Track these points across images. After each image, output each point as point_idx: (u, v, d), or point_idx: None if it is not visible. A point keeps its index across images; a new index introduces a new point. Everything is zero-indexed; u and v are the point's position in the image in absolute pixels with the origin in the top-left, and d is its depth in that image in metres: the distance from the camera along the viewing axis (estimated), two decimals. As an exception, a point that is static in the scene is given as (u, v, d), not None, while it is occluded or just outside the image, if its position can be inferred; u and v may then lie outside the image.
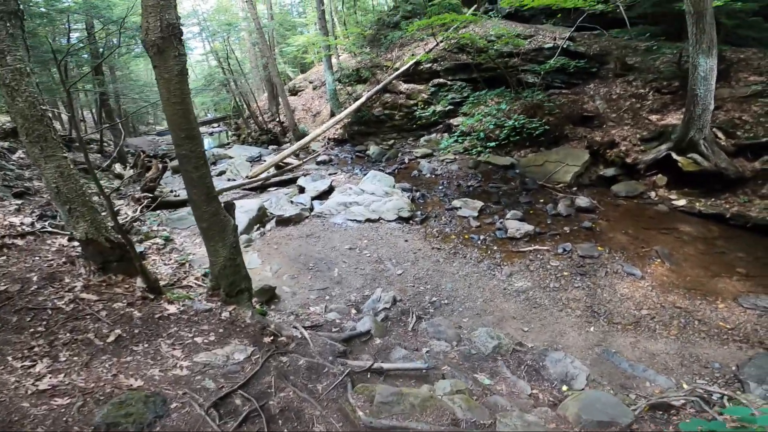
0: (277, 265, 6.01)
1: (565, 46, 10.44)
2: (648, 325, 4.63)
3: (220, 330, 3.65)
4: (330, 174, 10.52)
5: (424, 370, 3.53)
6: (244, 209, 7.54)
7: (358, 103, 12.57)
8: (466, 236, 6.76)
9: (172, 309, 3.80)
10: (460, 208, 7.63)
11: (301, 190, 9.43)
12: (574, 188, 8.42)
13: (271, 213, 7.98)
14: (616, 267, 5.68)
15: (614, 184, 8.14)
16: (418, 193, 8.44)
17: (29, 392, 2.61)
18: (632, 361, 4.08)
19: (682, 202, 7.18)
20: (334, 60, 15.46)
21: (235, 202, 4.15)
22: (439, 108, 12.22)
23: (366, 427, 2.67)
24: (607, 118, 9.41)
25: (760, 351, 4.08)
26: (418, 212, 7.52)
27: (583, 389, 3.64)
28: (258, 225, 7.66)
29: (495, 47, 10.49)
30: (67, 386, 2.74)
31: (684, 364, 4.06)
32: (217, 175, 11.47)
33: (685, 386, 3.66)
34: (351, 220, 7.28)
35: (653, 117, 8.94)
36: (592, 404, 3.11)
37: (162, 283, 4.77)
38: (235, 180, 11.01)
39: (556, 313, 4.93)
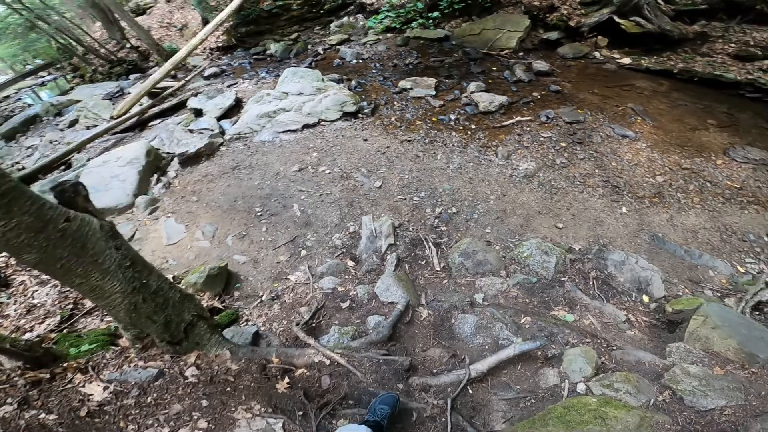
0: (211, 225, 4.22)
1: None
2: (670, 194, 4.23)
3: (203, 402, 2.12)
4: (229, 86, 8.13)
5: (536, 351, 2.48)
6: (126, 160, 5.26)
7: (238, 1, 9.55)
8: (434, 119, 5.49)
9: (98, 392, 2.12)
10: (411, 88, 6.21)
11: (198, 113, 7.12)
12: (520, 53, 7.64)
13: (168, 153, 5.80)
14: (606, 130, 5.10)
15: (559, 47, 7.75)
16: (352, 83, 6.74)
17: None
18: (682, 244, 3.70)
19: (626, 60, 7.16)
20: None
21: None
22: (346, -11, 9.96)
23: None
24: None
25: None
26: (364, 102, 5.95)
27: (663, 296, 3.15)
28: (156, 174, 5.50)
29: None
30: None
31: (724, 239, 3.79)
32: (69, 127, 8.32)
33: (740, 269, 3.50)
34: (283, 132, 5.50)
35: None
36: (736, 329, 2.45)
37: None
38: (96, 126, 8.06)
39: (579, 195, 4.19)
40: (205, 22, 11.25)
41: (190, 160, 5.52)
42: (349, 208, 4.13)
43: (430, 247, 3.63)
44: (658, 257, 3.58)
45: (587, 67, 7.03)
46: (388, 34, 8.80)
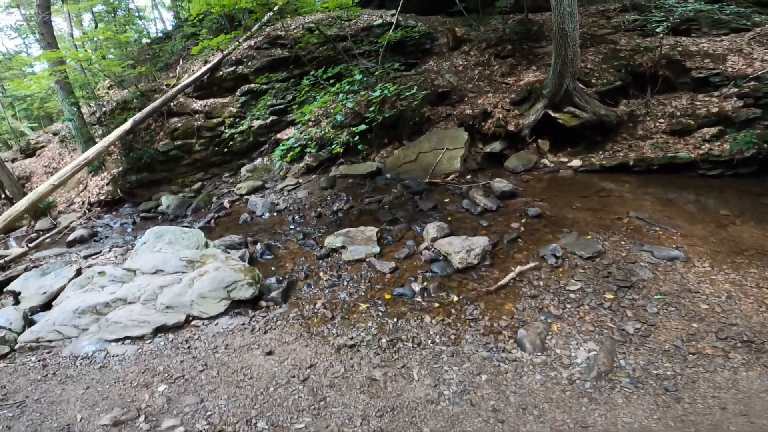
0: None
1: (394, 20, 8.73)
2: None
3: None
4: (87, 257, 5.69)
5: None
6: None
7: (117, 132, 7.70)
8: (388, 296, 3.33)
9: None
10: (344, 247, 4.19)
11: (16, 298, 4.54)
12: (468, 176, 6.39)
13: None
14: (643, 256, 3.56)
15: (505, 160, 6.72)
16: (258, 247, 4.60)
17: None
18: None
19: (577, 163, 6.40)
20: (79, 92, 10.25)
21: None
22: (257, 122, 8.63)
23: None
24: (465, 90, 7.80)
25: None
26: (272, 279, 3.69)
27: None
28: None
29: (319, 30, 7.92)
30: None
31: None
32: None
33: None
34: (117, 340, 3.01)
35: (510, 80, 7.77)
36: None
37: None
38: None
39: (713, 378, 2.36)
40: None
41: None
42: None
43: None
44: None
45: (542, 180, 6.08)
46: (312, 176, 7.34)
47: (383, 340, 2.75)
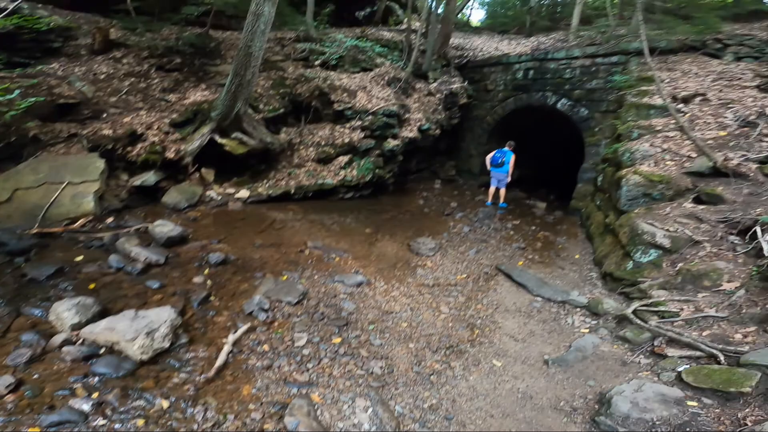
0: None
1: (11, 7, 5.50)
2: (481, 335, 3.47)
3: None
4: None
5: None
6: None
7: None
8: (34, 430, 1.72)
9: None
10: None
11: None
12: (110, 219, 4.82)
13: None
14: (338, 288, 3.82)
15: (163, 194, 5.68)
16: None
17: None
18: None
19: (245, 193, 6.36)
20: None
21: None
22: None
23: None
24: (106, 104, 5.98)
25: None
26: None
27: None
28: None
29: None
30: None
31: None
32: None
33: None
34: None
35: (173, 97, 6.58)
36: None
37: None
38: None
39: (461, 400, 2.61)
40: None
41: None
42: None
43: None
44: (585, 370, 2.88)
45: (212, 215, 5.51)
46: None
47: None
